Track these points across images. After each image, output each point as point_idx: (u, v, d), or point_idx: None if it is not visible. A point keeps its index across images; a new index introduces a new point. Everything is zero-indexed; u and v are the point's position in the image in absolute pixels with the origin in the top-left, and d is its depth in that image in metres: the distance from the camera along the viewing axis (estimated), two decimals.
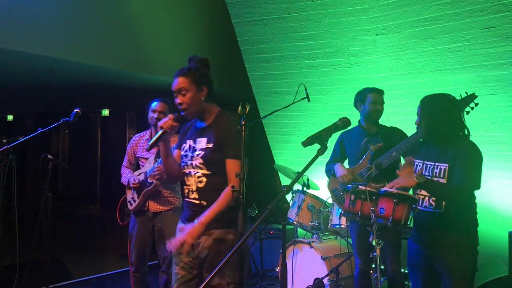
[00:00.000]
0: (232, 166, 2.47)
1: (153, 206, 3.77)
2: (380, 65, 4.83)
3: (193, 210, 2.58)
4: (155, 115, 3.75)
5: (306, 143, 2.26)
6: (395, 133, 3.60)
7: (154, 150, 3.77)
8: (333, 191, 3.81)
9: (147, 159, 3.82)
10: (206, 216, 2.44)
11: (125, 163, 4.00)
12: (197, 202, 2.56)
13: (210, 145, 2.52)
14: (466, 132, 2.74)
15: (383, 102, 3.64)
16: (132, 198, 3.84)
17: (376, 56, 4.79)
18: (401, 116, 4.84)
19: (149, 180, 3.68)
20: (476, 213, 2.74)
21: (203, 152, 2.53)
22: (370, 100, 3.59)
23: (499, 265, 3.99)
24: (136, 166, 3.98)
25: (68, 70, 5.65)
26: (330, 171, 3.75)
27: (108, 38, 5.28)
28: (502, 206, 4.21)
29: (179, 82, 2.52)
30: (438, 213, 2.66)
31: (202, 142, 2.56)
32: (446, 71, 4.46)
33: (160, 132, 2.50)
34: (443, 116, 2.71)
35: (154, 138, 2.50)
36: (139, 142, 3.95)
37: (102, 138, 11.21)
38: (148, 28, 5.73)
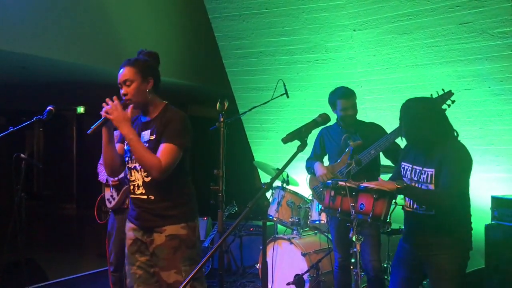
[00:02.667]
0: (164, 149, 2.38)
1: None
2: (358, 61, 4.84)
3: (141, 206, 2.50)
4: None
5: (286, 140, 2.25)
6: (374, 130, 3.59)
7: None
8: (314, 189, 3.81)
9: None
10: (136, 137, 2.38)
11: (101, 160, 3.93)
12: (145, 197, 2.48)
13: (153, 137, 2.46)
14: (455, 135, 2.66)
15: (354, 105, 3.53)
16: (111, 195, 3.78)
17: (354, 51, 4.81)
18: (379, 111, 4.87)
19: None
20: (470, 215, 2.68)
21: (147, 145, 2.46)
22: (340, 106, 3.51)
23: (476, 258, 4.06)
24: None
25: (41, 67, 5.52)
26: (310, 169, 3.74)
27: (83, 34, 5.17)
28: (478, 200, 4.25)
29: (124, 72, 2.46)
30: (429, 215, 2.59)
31: (146, 135, 2.50)
32: (423, 66, 4.49)
33: (102, 119, 2.40)
34: (422, 122, 2.61)
35: (95, 124, 2.38)
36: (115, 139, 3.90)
37: (77, 136, 11.03)
38: (123, 24, 5.63)
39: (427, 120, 2.61)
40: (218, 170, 2.27)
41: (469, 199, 2.67)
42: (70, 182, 10.98)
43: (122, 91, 2.47)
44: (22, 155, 3.53)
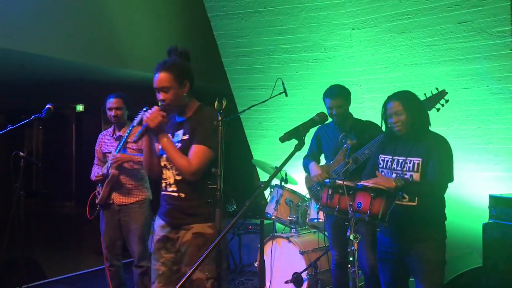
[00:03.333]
0: (196, 150, 2.42)
1: (118, 199, 3.74)
2: (357, 59, 4.84)
3: (171, 203, 2.55)
4: (112, 113, 3.76)
5: (283, 139, 2.25)
6: (369, 128, 3.58)
7: (115, 143, 3.79)
8: (309, 188, 3.82)
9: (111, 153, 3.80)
10: (169, 141, 2.43)
11: (95, 160, 4.01)
12: (176, 194, 2.53)
13: (186, 137, 2.50)
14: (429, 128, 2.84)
15: (340, 106, 3.54)
16: (98, 191, 3.83)
17: (353, 50, 4.80)
18: (378, 110, 4.85)
19: (110, 171, 3.66)
20: (445, 207, 2.80)
21: (180, 144, 2.51)
22: (326, 105, 3.58)
23: (474, 256, 4.07)
24: (105, 163, 3.95)
25: (40, 65, 5.51)
26: (306, 167, 3.76)
27: (82, 32, 5.16)
28: (476, 198, 4.28)
29: (160, 78, 2.45)
30: (410, 207, 2.70)
31: (179, 135, 2.55)
32: (422, 65, 4.49)
33: (144, 126, 2.43)
34: (423, 112, 2.82)
35: (139, 132, 2.44)
36: (104, 138, 3.95)
37: (76, 134, 11.01)
38: (122, 22, 5.62)
39: (424, 111, 2.86)
40: (216, 168, 2.27)
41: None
42: (69, 180, 10.96)
43: (160, 97, 2.48)
44: (21, 153, 3.53)
